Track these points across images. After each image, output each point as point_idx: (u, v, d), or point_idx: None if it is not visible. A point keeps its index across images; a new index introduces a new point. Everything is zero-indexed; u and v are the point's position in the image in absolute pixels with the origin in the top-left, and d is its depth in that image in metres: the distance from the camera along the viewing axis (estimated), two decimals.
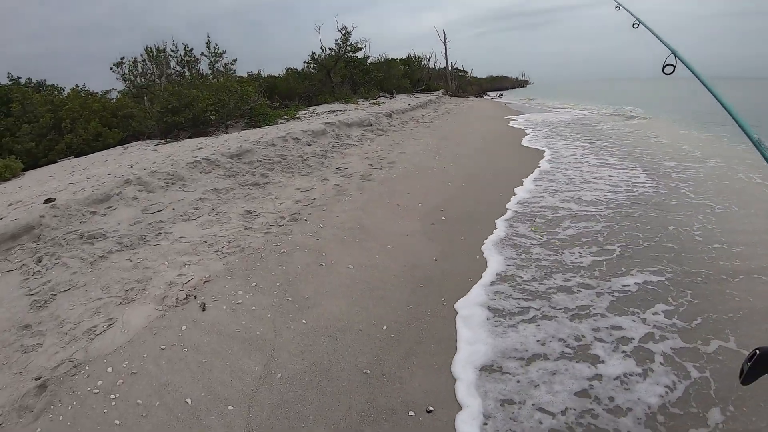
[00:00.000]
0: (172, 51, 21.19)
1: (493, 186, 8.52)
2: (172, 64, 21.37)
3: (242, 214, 6.41)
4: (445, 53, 47.11)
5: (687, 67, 2.55)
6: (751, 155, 11.24)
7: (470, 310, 4.23)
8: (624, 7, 4.06)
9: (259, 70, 26.74)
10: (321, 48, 28.50)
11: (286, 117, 16.45)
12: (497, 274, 4.98)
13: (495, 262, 5.31)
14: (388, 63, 34.37)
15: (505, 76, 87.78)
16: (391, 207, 7.01)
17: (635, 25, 3.65)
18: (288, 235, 5.71)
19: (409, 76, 36.35)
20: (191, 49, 21.47)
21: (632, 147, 12.88)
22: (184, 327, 3.72)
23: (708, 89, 2.26)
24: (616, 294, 4.50)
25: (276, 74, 26.82)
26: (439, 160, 10.56)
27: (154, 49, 20.72)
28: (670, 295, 4.42)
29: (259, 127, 14.62)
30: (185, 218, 6.15)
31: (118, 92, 20.50)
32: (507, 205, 7.43)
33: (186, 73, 21.25)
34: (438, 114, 21.17)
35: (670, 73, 2.66)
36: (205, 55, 21.65)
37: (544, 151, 12.27)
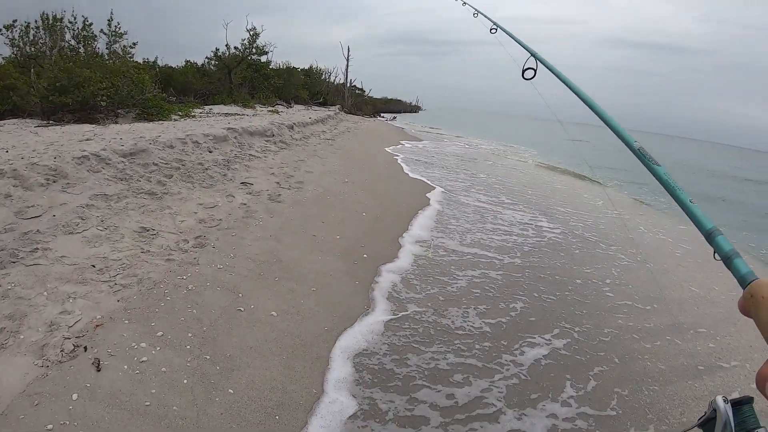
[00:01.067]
0: (70, 22, 19.12)
1: (401, 222, 8.11)
2: (68, 36, 19.28)
3: (137, 231, 5.48)
4: (346, 69, 46.91)
5: (547, 67, 2.37)
6: (651, 211, 11.68)
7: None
8: (481, 13, 4.07)
9: (156, 57, 25.08)
10: (226, 45, 27.22)
11: (180, 113, 15.29)
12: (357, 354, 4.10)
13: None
14: (290, 71, 33.63)
15: (400, 100, 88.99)
16: (308, 238, 6.36)
17: (493, 30, 3.52)
18: (194, 265, 4.90)
19: (308, 88, 35.78)
20: (90, 24, 19.51)
21: (528, 189, 13.03)
22: (75, 396, 2.84)
23: (573, 90, 2.05)
24: (511, 380, 3.93)
25: (174, 66, 25.29)
26: (349, 185, 10.03)
27: (50, 17, 18.60)
28: (579, 371, 4.13)
29: (152, 121, 13.40)
30: (68, 230, 5.11)
31: (3, 58, 18.21)
32: (400, 253, 6.73)
33: (81, 50, 19.25)
34: (339, 132, 20.68)
35: (531, 78, 2.49)
36: (105, 33, 19.78)
37: (435, 188, 11.89)
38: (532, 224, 8.79)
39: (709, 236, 0.92)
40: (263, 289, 4.69)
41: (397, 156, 17.48)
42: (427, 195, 10.71)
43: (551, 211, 10.16)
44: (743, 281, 0.77)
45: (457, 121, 67.79)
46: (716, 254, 0.89)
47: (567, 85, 2.13)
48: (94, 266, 4.51)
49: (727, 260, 0.85)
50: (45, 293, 3.92)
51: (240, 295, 4.48)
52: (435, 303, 5.15)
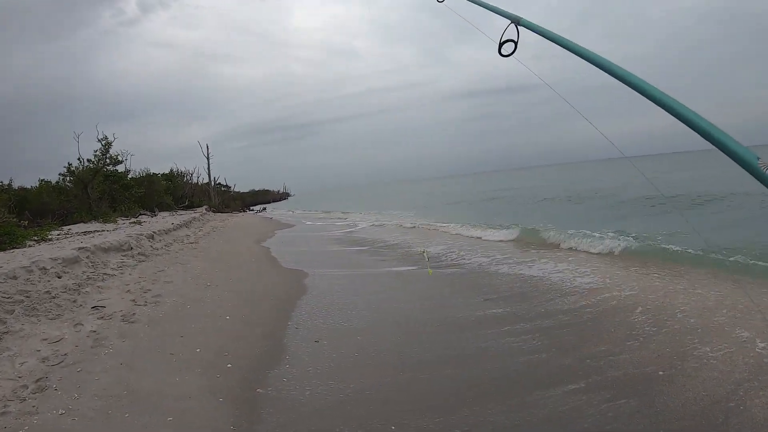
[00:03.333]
0: None
1: (277, 318, 7.86)
2: None
3: None
4: (208, 168, 46.65)
5: (533, 29, 2.09)
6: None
7: None
8: None
9: (10, 180, 23.62)
10: (79, 159, 26.11)
11: (36, 238, 14.33)
12: None
13: None
14: (150, 178, 32.85)
15: (268, 190, 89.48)
16: (165, 359, 5.98)
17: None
18: (32, 414, 4.42)
19: (172, 192, 35.06)
20: None
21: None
22: None
23: (568, 47, 1.91)
24: None
25: (28, 186, 23.94)
26: (212, 288, 9.69)
27: None
28: None
29: (4, 249, 12.41)
30: None
31: None
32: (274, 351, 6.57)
33: None
34: (204, 233, 20.20)
35: (511, 53, 2.17)
36: None
37: (307, 275, 11.62)
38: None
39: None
40: (110, 429, 4.27)
41: (266, 247, 17.30)
42: (304, 281, 10.57)
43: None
44: None
45: (324, 200, 68.90)
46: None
47: (569, 47, 1.89)
48: None
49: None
50: None
51: None
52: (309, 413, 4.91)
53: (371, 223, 26.94)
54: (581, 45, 1.91)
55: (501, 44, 2.16)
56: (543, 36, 2.05)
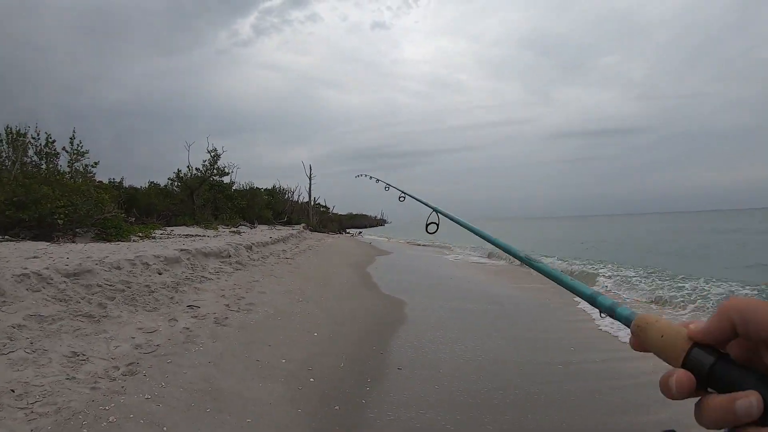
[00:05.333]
0: (33, 138, 19.29)
1: (365, 341, 7.77)
2: (30, 152, 19.38)
3: (67, 355, 5.15)
4: (309, 188, 47.92)
5: (447, 217, 2.64)
6: None
7: None
8: (391, 185, 4.72)
9: (122, 178, 25.27)
10: (188, 167, 27.59)
11: (140, 234, 15.15)
12: None
13: None
14: (253, 192, 34.14)
15: (365, 215, 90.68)
16: (250, 364, 6.03)
17: (401, 198, 4.01)
18: (120, 394, 4.55)
19: (272, 207, 36.16)
20: (53, 141, 19.71)
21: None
22: None
23: (469, 229, 2.24)
24: None
25: (138, 186, 25.46)
26: (303, 303, 9.77)
27: (14, 131, 18.72)
28: None
29: (110, 241, 13.19)
30: None
31: None
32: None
33: (43, 166, 19.31)
34: (300, 250, 20.57)
35: (434, 232, 2.72)
36: (67, 151, 19.93)
37: (403, 303, 11.39)
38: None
39: (591, 299, 0.96)
40: (191, 422, 4.33)
41: (362, 271, 17.30)
42: (397, 309, 10.47)
43: None
44: (628, 321, 0.78)
45: (420, 231, 68.02)
46: (601, 313, 0.92)
47: (467, 227, 2.24)
48: (13, 391, 4.21)
49: (611, 312, 0.87)
50: None
51: (164, 428, 4.12)
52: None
53: (471, 259, 26.33)
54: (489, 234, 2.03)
55: (427, 225, 2.78)
56: (453, 221, 2.53)
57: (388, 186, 4.80)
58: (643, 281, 15.25)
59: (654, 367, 5.77)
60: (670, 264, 19.97)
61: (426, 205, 2.95)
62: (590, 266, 20.37)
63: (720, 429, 0.59)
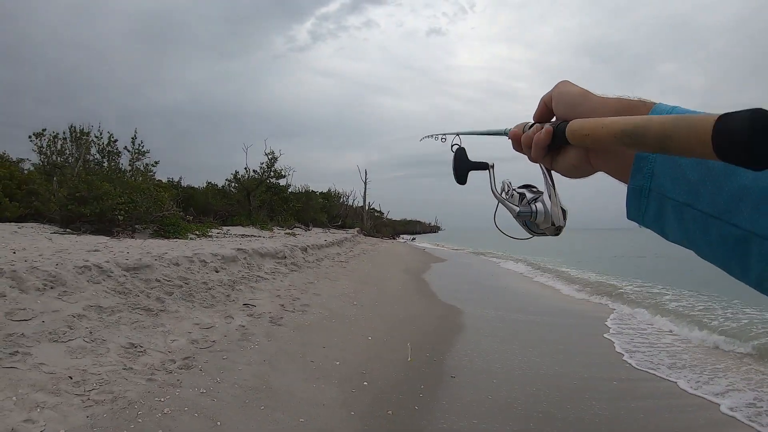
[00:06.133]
0: (96, 137, 20.04)
1: (419, 348, 7.64)
2: (93, 150, 20.13)
3: (124, 346, 5.21)
4: (364, 193, 48.09)
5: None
6: None
7: None
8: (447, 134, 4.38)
9: (180, 178, 25.95)
10: (245, 168, 28.10)
11: (198, 233, 15.48)
12: None
13: None
14: (308, 195, 34.49)
15: (419, 221, 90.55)
16: (305, 364, 5.98)
17: (453, 147, 3.63)
18: (176, 387, 4.56)
19: (327, 211, 36.44)
20: (116, 140, 20.45)
21: None
22: None
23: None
24: None
25: (195, 186, 26.06)
26: (357, 307, 9.72)
27: (78, 130, 19.48)
28: None
29: (168, 238, 13.50)
30: (53, 338, 4.89)
31: (32, 164, 18.93)
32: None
33: (105, 164, 20.01)
34: (354, 254, 20.61)
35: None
36: (128, 150, 20.63)
37: (459, 311, 11.14)
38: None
39: None
40: (245, 419, 4.29)
41: (417, 278, 17.17)
42: (452, 316, 10.31)
43: None
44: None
45: (475, 239, 67.33)
46: None
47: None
48: (71, 378, 4.26)
49: None
50: (14, 398, 3.71)
51: (218, 423, 4.09)
52: None
53: (530, 270, 25.68)
54: None
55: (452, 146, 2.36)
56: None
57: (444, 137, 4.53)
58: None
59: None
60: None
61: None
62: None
63: (537, 157, 0.84)
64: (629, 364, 7.58)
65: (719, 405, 5.83)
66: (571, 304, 13.76)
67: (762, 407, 5.82)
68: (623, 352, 8.22)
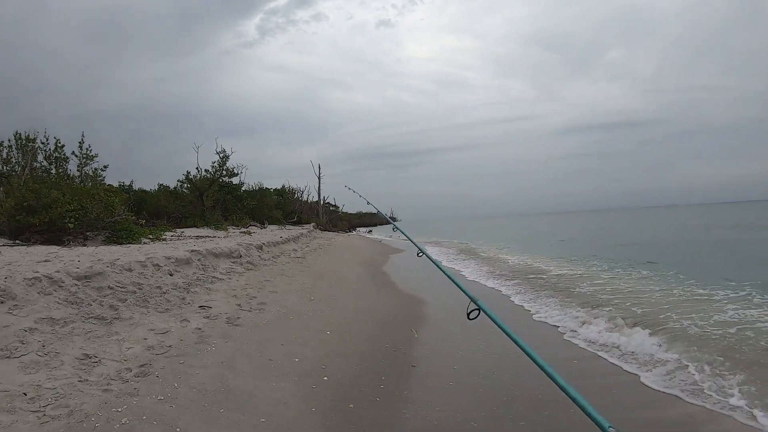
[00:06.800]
0: (42, 143, 19.42)
1: (378, 339, 7.70)
2: (40, 157, 19.51)
3: (79, 358, 5.13)
4: (319, 187, 47.96)
5: (488, 315, 2.67)
6: None
7: None
8: (426, 255, 5.04)
9: (131, 181, 25.41)
10: (197, 168, 27.67)
11: (151, 236, 15.22)
12: None
13: None
14: (262, 192, 34.21)
15: (374, 213, 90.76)
16: (263, 363, 5.98)
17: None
18: (133, 396, 4.52)
19: (282, 207, 36.28)
20: (63, 146, 19.87)
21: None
22: None
23: (509, 336, 2.33)
24: None
25: (148, 189, 25.58)
26: (315, 302, 9.72)
27: (23, 137, 18.84)
28: None
29: (121, 244, 13.22)
30: (5, 354, 4.79)
31: None
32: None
33: (52, 171, 19.42)
34: (310, 249, 20.58)
35: (475, 318, 2.77)
36: (76, 155, 20.05)
37: (423, 300, 11.41)
38: None
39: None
40: (204, 423, 4.28)
41: (374, 269, 17.25)
42: (411, 307, 10.42)
43: None
44: None
45: (431, 229, 68.52)
46: None
47: (502, 328, 2.39)
48: (25, 394, 4.18)
49: None
50: None
51: (177, 429, 4.08)
52: None
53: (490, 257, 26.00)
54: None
55: (469, 312, 2.82)
56: (493, 321, 2.63)
57: (421, 253, 5.26)
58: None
59: None
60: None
61: (466, 294, 2.98)
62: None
63: None
64: (574, 343, 7.81)
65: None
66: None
67: None
68: (564, 332, 8.46)
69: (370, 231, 58.19)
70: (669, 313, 8.99)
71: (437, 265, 3.94)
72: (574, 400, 1.67)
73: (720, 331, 7.72)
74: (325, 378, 5.77)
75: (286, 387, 5.36)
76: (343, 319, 8.76)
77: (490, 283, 14.53)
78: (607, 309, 9.59)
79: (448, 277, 3.50)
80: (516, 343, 2.22)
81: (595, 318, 8.89)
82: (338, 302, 10.21)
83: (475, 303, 2.76)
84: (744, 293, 10.65)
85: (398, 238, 44.99)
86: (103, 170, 20.61)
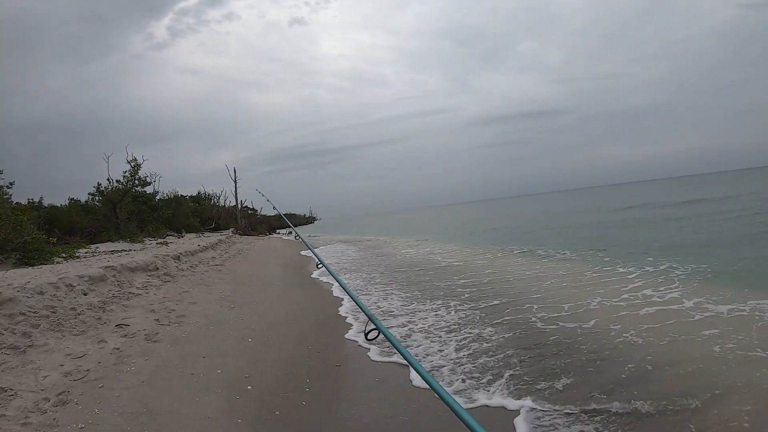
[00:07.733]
0: None
1: (300, 342, 7.81)
2: None
3: None
4: (235, 191, 47.11)
5: (386, 336, 2.64)
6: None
7: None
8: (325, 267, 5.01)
9: (41, 198, 24.18)
10: (108, 179, 26.59)
11: (64, 255, 14.55)
12: None
13: None
14: (178, 200, 33.35)
15: (294, 214, 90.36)
16: (185, 378, 5.98)
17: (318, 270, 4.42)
18: (53, 426, 4.46)
19: (199, 215, 35.57)
20: None
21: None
22: None
23: (405, 358, 2.36)
24: None
25: (59, 204, 24.44)
26: (236, 310, 9.70)
27: None
28: None
29: (33, 265, 12.63)
30: None
31: None
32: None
33: None
34: (230, 255, 20.29)
35: (374, 339, 2.90)
36: None
37: (343, 298, 11.64)
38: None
39: None
40: None
41: (293, 270, 17.25)
42: (329, 304, 10.52)
43: None
44: None
45: (351, 226, 69.53)
46: None
47: (404, 356, 2.36)
48: None
49: None
50: None
51: None
52: None
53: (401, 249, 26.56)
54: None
55: (367, 333, 2.91)
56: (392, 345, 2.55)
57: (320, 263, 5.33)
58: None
59: None
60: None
61: (367, 315, 2.98)
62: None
63: None
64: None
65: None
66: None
67: None
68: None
69: (290, 232, 57.74)
70: None
71: (336, 279, 4.01)
72: (466, 423, 1.85)
73: None
74: (249, 387, 5.85)
75: (211, 401, 5.40)
76: (266, 324, 8.81)
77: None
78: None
79: (349, 294, 3.58)
80: (412, 365, 2.29)
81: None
82: (261, 307, 10.23)
83: (374, 322, 2.81)
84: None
85: (322, 237, 45.50)
86: (9, 187, 19.52)
